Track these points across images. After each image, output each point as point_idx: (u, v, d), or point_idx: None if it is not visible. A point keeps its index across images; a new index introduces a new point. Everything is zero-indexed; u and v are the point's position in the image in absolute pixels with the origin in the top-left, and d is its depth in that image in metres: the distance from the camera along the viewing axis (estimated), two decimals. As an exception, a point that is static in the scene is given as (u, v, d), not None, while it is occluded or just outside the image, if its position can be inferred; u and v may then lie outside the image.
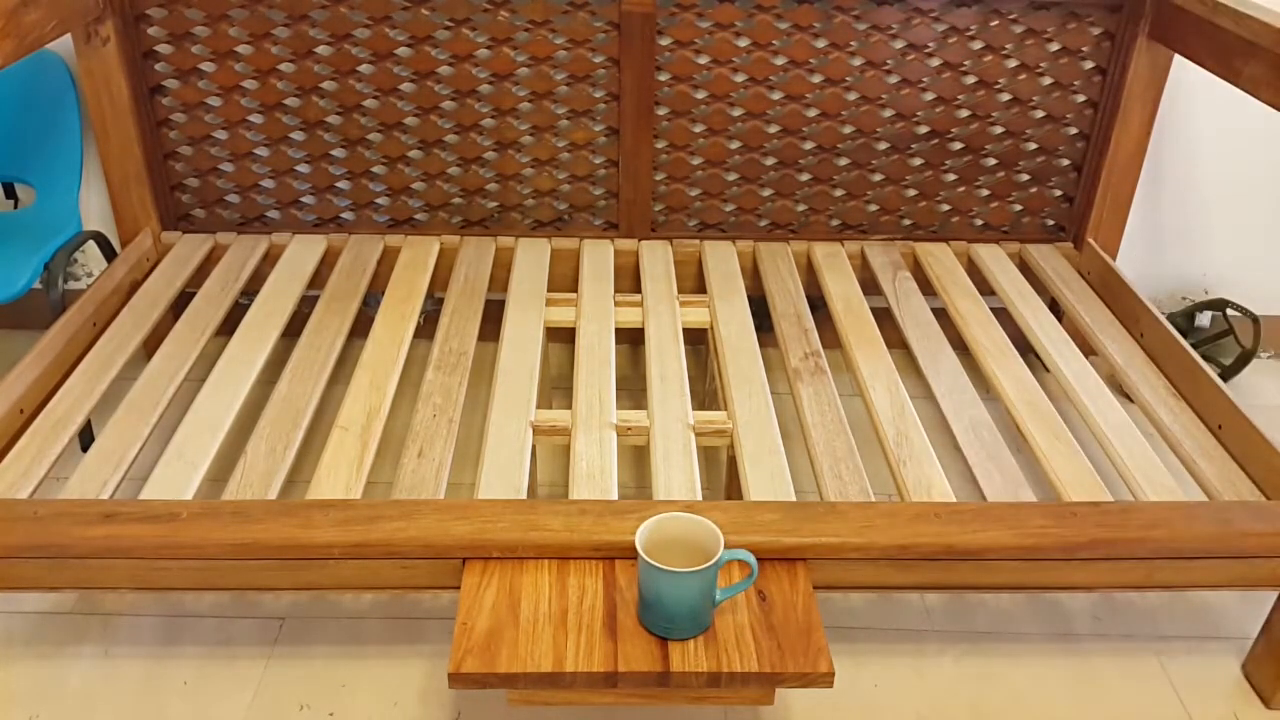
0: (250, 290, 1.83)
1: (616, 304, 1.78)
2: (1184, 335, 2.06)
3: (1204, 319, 2.16)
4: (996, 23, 1.84)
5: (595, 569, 1.17)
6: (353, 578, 1.20)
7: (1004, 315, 1.79)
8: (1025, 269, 1.98)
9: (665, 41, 1.84)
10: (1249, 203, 2.09)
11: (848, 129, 1.93)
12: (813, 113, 1.91)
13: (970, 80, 1.89)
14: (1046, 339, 1.70)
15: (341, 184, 1.98)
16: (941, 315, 1.79)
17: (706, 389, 1.81)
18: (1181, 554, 1.22)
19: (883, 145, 1.95)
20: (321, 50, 1.84)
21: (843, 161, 1.96)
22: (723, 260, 1.94)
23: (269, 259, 1.92)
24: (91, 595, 1.49)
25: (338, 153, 1.95)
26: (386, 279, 1.84)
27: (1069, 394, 1.56)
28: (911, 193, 2.00)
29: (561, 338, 2.04)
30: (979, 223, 2.04)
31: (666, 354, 1.62)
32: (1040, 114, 1.92)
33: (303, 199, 1.99)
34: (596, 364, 1.59)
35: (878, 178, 1.98)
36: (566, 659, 1.05)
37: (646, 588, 1.07)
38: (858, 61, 1.87)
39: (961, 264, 1.95)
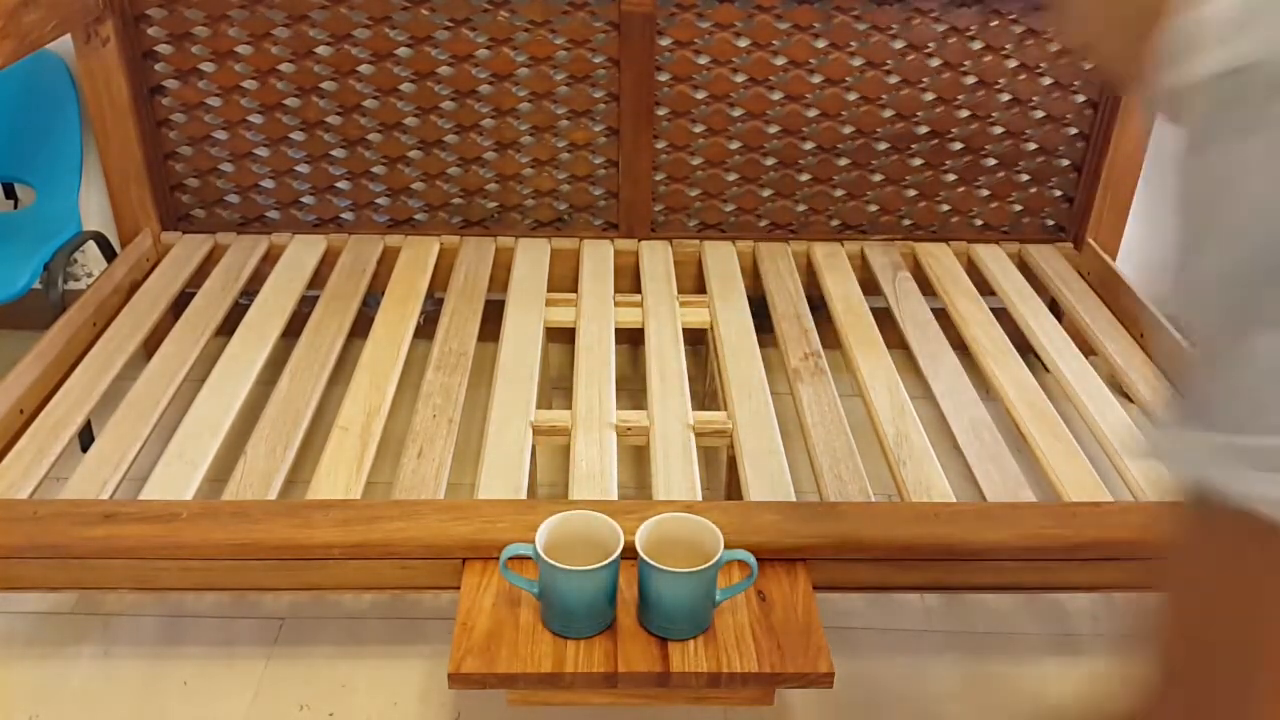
0: (250, 290, 1.83)
1: (616, 304, 1.78)
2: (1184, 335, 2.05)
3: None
4: (996, 23, 1.84)
5: (595, 569, 1.17)
6: (353, 578, 1.20)
7: (1004, 315, 1.78)
8: (1025, 269, 1.98)
9: (665, 42, 1.84)
10: (1249, 203, 2.08)
11: (848, 129, 1.93)
12: (813, 113, 1.91)
13: (970, 80, 1.89)
14: (1046, 339, 1.70)
15: (341, 184, 1.98)
16: (941, 315, 1.79)
17: (706, 389, 1.81)
18: (1181, 554, 1.22)
19: (883, 145, 1.95)
20: (321, 50, 1.84)
21: (843, 161, 1.96)
22: (723, 260, 1.94)
23: (269, 259, 1.92)
24: (91, 595, 1.49)
25: (337, 153, 1.95)
26: (386, 279, 1.84)
27: (1069, 394, 1.56)
28: (911, 193, 2.00)
29: (561, 338, 2.04)
30: (979, 223, 2.04)
31: (666, 354, 1.62)
32: (1040, 114, 1.92)
33: (303, 199, 1.99)
34: (596, 364, 1.58)
35: (878, 178, 1.98)
36: (566, 659, 1.05)
37: (646, 588, 1.07)
38: (858, 61, 1.87)
39: (961, 264, 1.95)
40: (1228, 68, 0.31)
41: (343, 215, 2.01)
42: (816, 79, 1.88)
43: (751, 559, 1.08)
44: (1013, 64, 1.88)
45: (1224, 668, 0.35)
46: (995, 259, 1.97)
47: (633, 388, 1.87)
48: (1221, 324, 0.34)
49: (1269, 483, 0.30)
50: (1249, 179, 0.30)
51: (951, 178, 1.98)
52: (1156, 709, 0.40)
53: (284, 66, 1.86)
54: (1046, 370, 1.66)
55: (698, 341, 1.93)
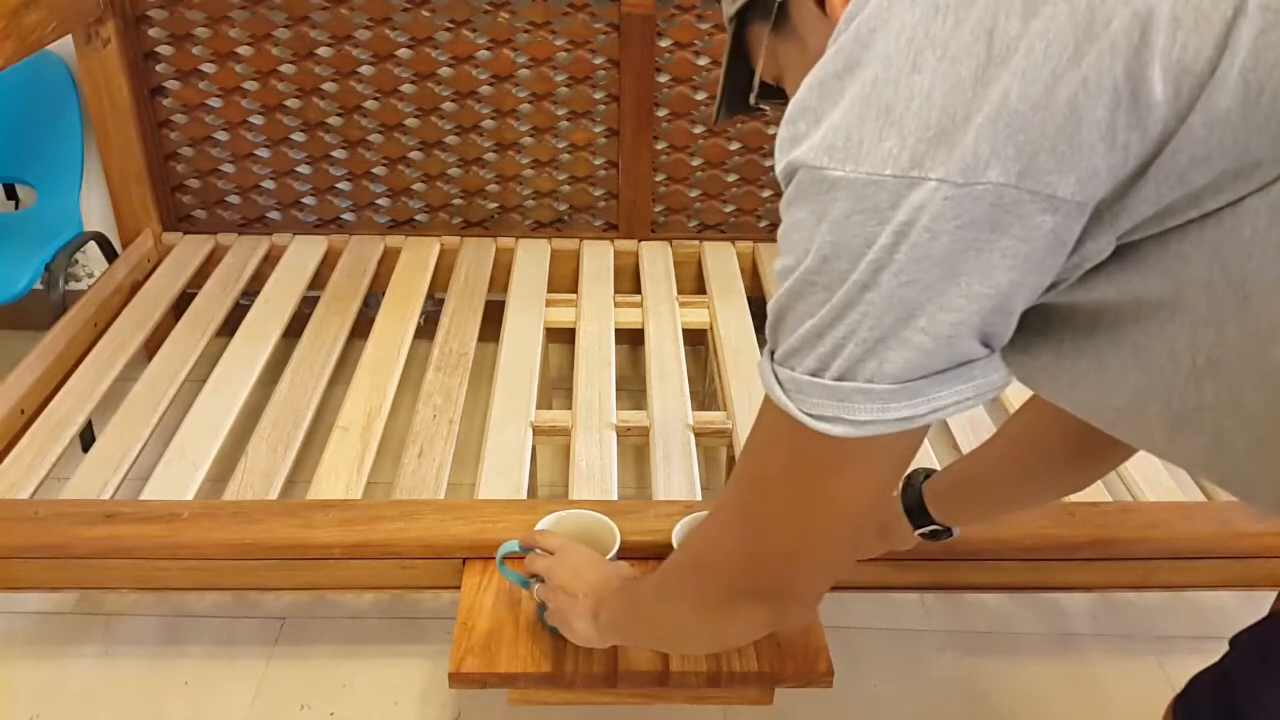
0: (251, 291, 1.83)
1: (616, 305, 1.78)
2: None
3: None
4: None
5: (595, 569, 1.17)
6: (353, 578, 1.20)
7: (1003, 316, 1.78)
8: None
9: (665, 43, 1.84)
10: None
11: (847, 130, 1.93)
12: (812, 114, 1.91)
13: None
14: (1046, 339, 1.70)
15: (342, 185, 1.98)
16: (941, 316, 1.78)
17: (706, 389, 1.81)
18: (1180, 554, 1.22)
19: (882, 146, 1.94)
20: (322, 51, 1.84)
21: (842, 162, 1.96)
22: (722, 261, 1.94)
23: (270, 260, 1.92)
24: (92, 595, 1.49)
25: (338, 154, 1.95)
26: (387, 280, 1.85)
27: (1068, 394, 1.56)
28: (911, 193, 2.00)
29: (561, 338, 2.04)
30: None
31: (666, 354, 1.62)
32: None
33: (303, 200, 1.99)
34: (596, 364, 1.59)
35: (877, 178, 1.98)
36: (566, 659, 1.05)
37: (646, 587, 1.07)
38: (857, 62, 1.87)
39: (961, 265, 1.95)
40: (784, 164, 0.54)
41: (343, 216, 2.01)
42: (816, 80, 1.88)
43: (751, 559, 1.08)
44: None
45: (761, 470, 0.64)
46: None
47: (633, 388, 1.88)
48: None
49: (772, 382, 0.58)
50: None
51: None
52: (727, 494, 0.69)
53: (285, 67, 1.86)
54: (1046, 371, 1.66)
55: (698, 341, 1.93)
